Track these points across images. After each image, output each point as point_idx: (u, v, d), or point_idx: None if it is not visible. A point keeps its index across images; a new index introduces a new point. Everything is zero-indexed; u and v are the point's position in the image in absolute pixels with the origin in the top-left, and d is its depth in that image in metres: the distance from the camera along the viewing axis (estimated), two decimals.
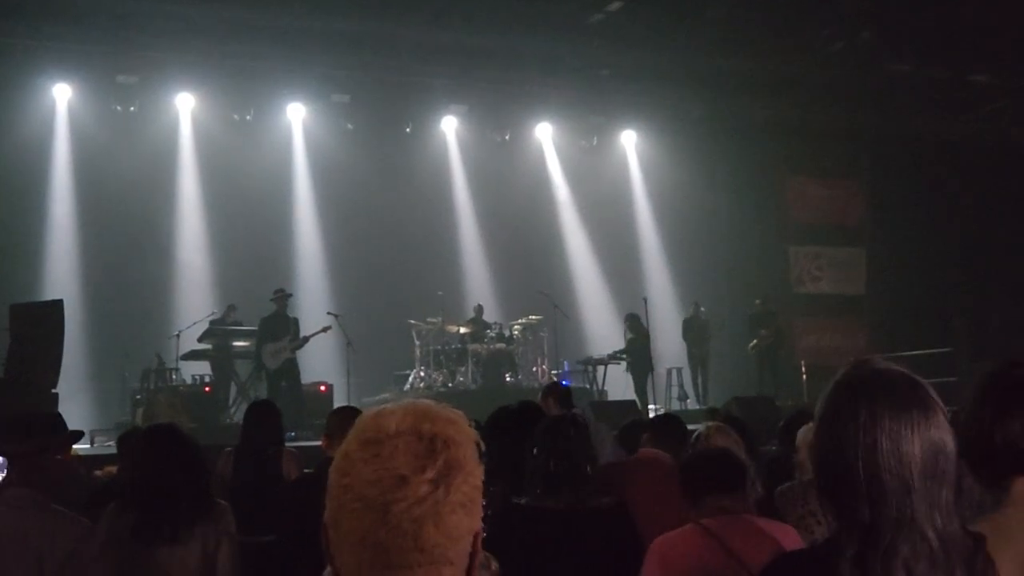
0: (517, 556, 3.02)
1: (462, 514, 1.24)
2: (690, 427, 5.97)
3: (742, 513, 2.88)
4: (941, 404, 1.52)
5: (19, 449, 3.27)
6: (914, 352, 13.30)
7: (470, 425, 1.31)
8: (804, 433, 3.97)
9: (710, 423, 4.40)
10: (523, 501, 3.27)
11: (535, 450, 3.30)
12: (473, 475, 1.27)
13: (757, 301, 14.39)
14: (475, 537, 1.28)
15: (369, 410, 1.30)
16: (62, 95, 12.77)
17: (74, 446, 3.73)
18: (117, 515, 3.32)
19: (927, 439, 1.48)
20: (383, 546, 1.21)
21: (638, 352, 13.07)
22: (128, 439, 5.20)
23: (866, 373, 1.55)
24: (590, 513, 3.21)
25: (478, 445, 1.29)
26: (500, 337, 13.27)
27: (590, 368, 13.50)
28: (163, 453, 3.38)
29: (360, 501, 1.22)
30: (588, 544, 3.15)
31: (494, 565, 2.40)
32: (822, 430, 1.55)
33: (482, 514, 1.30)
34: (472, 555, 1.28)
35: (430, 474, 1.22)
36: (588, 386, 12.93)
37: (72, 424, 3.60)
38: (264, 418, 5.22)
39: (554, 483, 3.23)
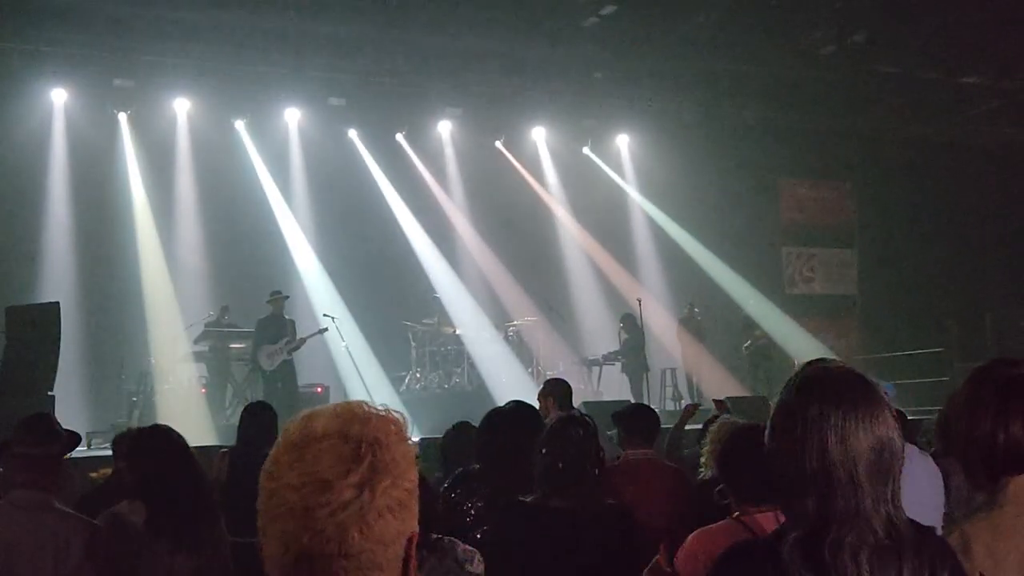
0: (521, 554, 3.06)
1: (390, 518, 1.20)
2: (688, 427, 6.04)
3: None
4: (888, 403, 1.59)
5: (36, 451, 3.26)
6: (906, 352, 13.40)
7: (404, 425, 1.27)
8: None
9: (722, 418, 4.45)
10: (528, 499, 3.29)
11: (543, 450, 3.30)
12: (404, 478, 1.22)
13: (752, 302, 14.47)
14: (409, 541, 1.23)
15: (301, 412, 1.26)
16: (59, 99, 12.79)
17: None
18: (116, 518, 3.30)
19: (874, 436, 1.53)
20: (307, 552, 1.17)
21: (633, 353, 13.15)
22: (123, 441, 5.22)
23: (818, 372, 1.61)
24: (595, 513, 3.23)
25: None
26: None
27: (585, 368, 13.59)
28: (161, 455, 3.37)
29: (284, 506, 1.18)
30: (592, 544, 3.17)
31: (477, 559, 2.42)
32: (774, 426, 1.61)
33: (418, 517, 1.25)
34: (406, 560, 1.23)
35: (354, 478, 1.18)
36: (583, 386, 13.00)
37: (71, 425, 3.61)
38: (260, 419, 5.27)
39: (561, 483, 3.23)
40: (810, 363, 1.66)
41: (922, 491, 3.10)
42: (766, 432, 1.64)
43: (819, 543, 1.50)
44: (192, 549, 3.26)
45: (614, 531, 3.23)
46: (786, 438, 1.57)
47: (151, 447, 3.45)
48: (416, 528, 1.25)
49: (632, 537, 3.26)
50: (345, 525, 1.17)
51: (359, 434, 1.21)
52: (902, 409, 4.37)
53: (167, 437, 3.49)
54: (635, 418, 4.42)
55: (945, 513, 3.23)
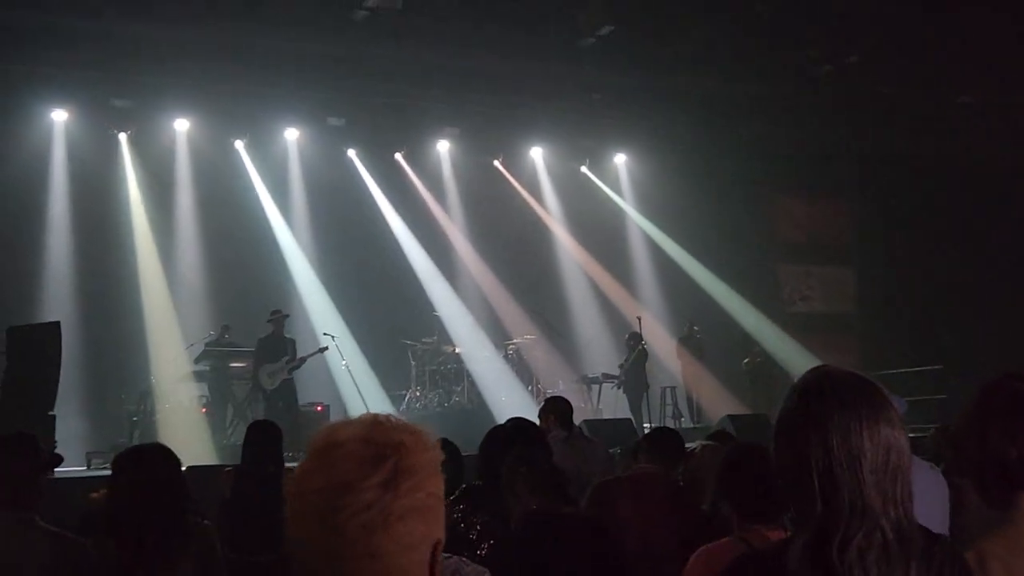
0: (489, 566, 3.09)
1: (414, 520, 1.20)
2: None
3: (783, 530, 2.83)
4: (893, 404, 1.59)
5: (15, 469, 3.20)
6: (904, 370, 13.39)
7: (430, 435, 1.29)
8: None
9: (705, 441, 4.47)
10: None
11: (505, 467, 3.36)
12: (429, 483, 1.23)
13: (750, 320, 14.49)
14: (435, 546, 1.23)
15: (326, 424, 1.28)
16: (59, 119, 12.84)
17: (71, 468, 3.60)
18: (103, 539, 3.15)
19: (876, 435, 1.53)
20: (334, 555, 1.18)
21: (633, 371, 13.17)
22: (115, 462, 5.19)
23: (819, 377, 1.62)
24: (556, 521, 3.25)
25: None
26: None
27: (585, 387, 13.60)
28: (138, 475, 3.04)
29: (309, 510, 1.20)
30: (554, 551, 3.19)
31: None
32: (779, 431, 1.61)
33: (446, 523, 1.26)
34: (432, 565, 1.22)
35: (377, 479, 1.18)
36: (583, 404, 13.01)
37: (71, 445, 3.56)
38: (265, 438, 5.29)
39: (527, 495, 3.27)
40: (813, 369, 1.66)
41: (926, 504, 3.10)
42: (772, 439, 1.63)
43: (826, 544, 1.50)
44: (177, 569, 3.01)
45: (585, 543, 3.23)
46: (790, 442, 1.58)
47: (132, 471, 3.02)
48: (442, 535, 1.24)
49: (605, 550, 3.26)
50: (370, 526, 1.17)
51: (382, 439, 1.23)
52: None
53: (155, 458, 3.08)
54: (656, 438, 4.51)
55: (961, 528, 3.18)
